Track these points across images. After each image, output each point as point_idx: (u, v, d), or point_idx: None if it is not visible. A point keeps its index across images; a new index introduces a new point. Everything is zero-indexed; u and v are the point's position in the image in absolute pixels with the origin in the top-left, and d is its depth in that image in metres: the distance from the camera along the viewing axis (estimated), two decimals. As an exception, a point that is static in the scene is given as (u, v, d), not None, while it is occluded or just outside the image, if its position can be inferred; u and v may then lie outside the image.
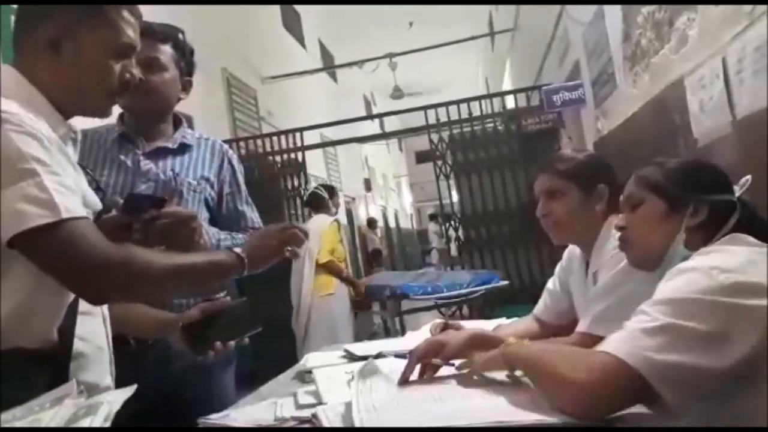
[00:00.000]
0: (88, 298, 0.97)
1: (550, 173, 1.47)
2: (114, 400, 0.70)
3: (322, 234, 4.34)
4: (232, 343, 1.29)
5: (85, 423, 0.66)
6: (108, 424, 0.67)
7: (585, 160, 1.48)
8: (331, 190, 4.74)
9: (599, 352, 0.87)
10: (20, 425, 0.67)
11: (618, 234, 1.18)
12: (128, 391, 0.74)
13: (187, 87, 1.67)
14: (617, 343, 0.86)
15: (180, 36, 1.62)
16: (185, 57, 1.63)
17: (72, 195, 0.92)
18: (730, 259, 0.91)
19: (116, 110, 1.60)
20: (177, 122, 1.68)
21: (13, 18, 1.08)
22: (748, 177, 1.09)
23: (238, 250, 1.16)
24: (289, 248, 1.24)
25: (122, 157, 1.57)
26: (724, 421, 0.87)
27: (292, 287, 4.41)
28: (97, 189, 1.16)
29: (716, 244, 0.99)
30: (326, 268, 4.32)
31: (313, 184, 5.87)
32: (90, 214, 1.00)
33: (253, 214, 1.77)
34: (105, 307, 1.11)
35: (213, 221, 1.68)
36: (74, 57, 1.01)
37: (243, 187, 1.75)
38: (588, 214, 1.43)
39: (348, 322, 4.40)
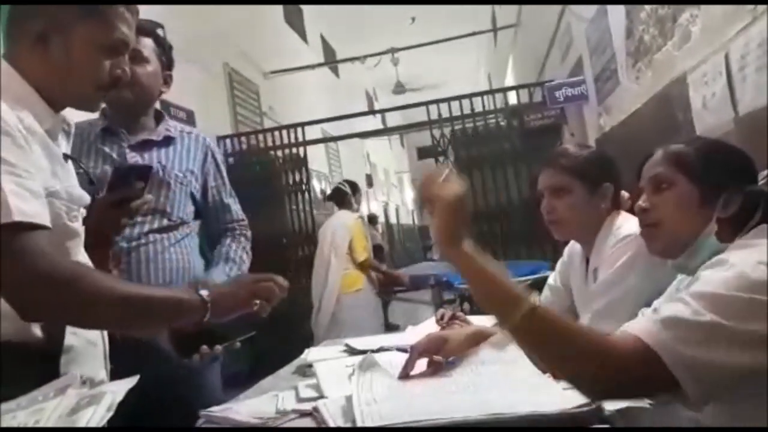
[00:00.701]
0: (20, 311, 0.88)
1: (556, 169, 1.46)
2: (117, 390, 0.70)
3: (350, 232, 4.38)
4: (219, 347, 1.20)
5: (88, 412, 0.67)
6: (111, 414, 0.68)
7: (590, 156, 1.47)
8: (354, 187, 4.77)
9: (631, 336, 0.81)
10: (24, 414, 0.68)
11: (631, 227, 1.14)
12: (131, 382, 0.74)
13: (168, 81, 1.69)
14: (651, 329, 0.81)
15: (160, 31, 1.62)
16: (165, 51, 1.65)
17: (33, 199, 0.87)
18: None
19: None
20: (159, 116, 1.70)
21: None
22: None
23: (204, 293, 1.06)
24: (258, 302, 1.12)
25: (107, 150, 1.58)
26: (744, 415, 0.85)
27: (314, 286, 4.51)
28: (90, 182, 1.15)
29: (751, 236, 0.93)
30: (364, 265, 4.40)
31: (314, 179, 5.89)
32: (75, 209, 0.99)
33: (236, 206, 1.81)
34: None
35: (198, 214, 1.69)
36: (63, 52, 0.99)
37: (227, 180, 1.78)
38: (592, 212, 1.43)
39: (379, 315, 4.57)
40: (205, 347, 1.18)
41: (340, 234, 4.35)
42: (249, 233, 1.83)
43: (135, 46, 1.51)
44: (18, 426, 0.66)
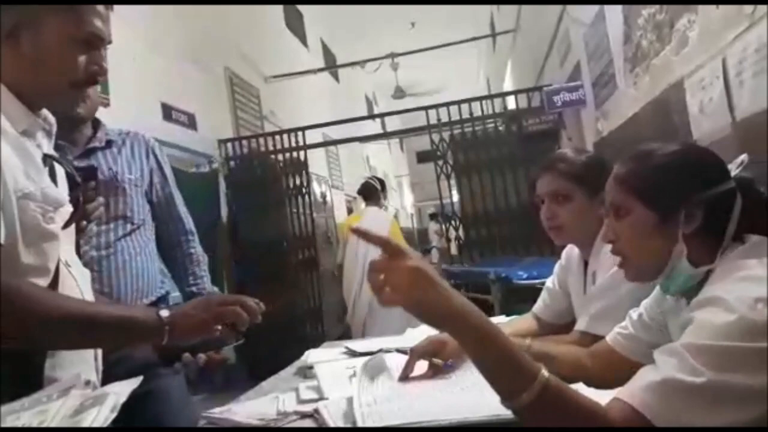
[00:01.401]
0: None
1: (556, 174, 1.46)
2: (121, 391, 0.71)
3: (388, 229, 4.52)
4: (202, 356, 1.15)
5: (92, 413, 0.67)
6: (114, 415, 0.68)
7: (589, 162, 1.47)
8: (383, 183, 4.95)
9: (623, 406, 0.75)
10: (28, 415, 0.68)
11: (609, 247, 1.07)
12: (134, 383, 0.75)
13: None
14: (648, 397, 0.75)
15: None
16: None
17: None
18: (760, 281, 0.78)
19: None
20: (95, 123, 1.69)
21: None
22: (744, 156, 0.99)
23: (164, 313, 0.99)
24: (220, 327, 1.04)
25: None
26: None
27: (347, 284, 4.67)
28: (75, 182, 1.13)
29: (736, 255, 0.87)
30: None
31: (314, 183, 5.90)
32: (51, 210, 0.96)
33: (179, 200, 1.78)
34: (89, 298, 1.09)
35: (153, 212, 1.71)
36: (35, 47, 0.95)
37: (170, 175, 1.76)
38: (592, 218, 1.43)
39: None
40: (187, 355, 1.15)
41: (383, 231, 4.05)
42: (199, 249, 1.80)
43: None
44: (22, 425, 0.66)
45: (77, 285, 1.05)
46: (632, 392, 0.77)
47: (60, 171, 1.09)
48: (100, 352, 1.10)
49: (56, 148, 1.55)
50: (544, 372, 0.75)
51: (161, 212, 1.72)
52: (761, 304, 0.75)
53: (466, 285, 4.57)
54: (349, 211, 10.20)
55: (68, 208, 1.05)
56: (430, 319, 0.79)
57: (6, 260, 0.87)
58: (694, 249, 0.92)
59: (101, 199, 1.34)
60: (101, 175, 1.54)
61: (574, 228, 1.45)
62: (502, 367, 0.77)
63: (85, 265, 1.34)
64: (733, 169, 0.97)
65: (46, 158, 1.03)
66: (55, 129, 1.08)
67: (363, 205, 4.81)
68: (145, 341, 1.06)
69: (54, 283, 0.98)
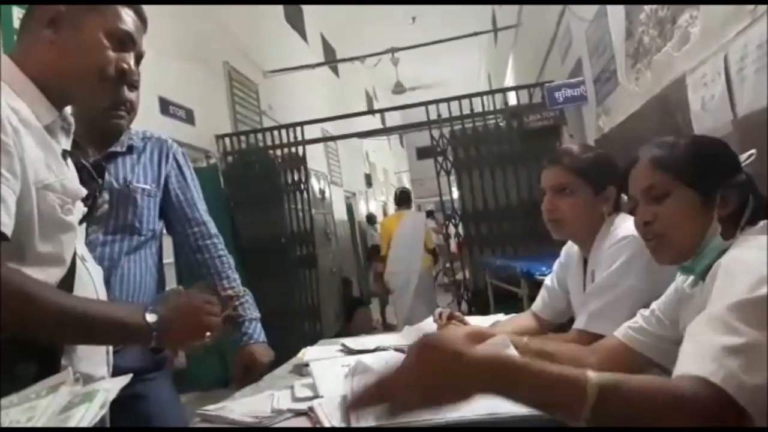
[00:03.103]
0: None
1: (560, 168, 1.44)
2: (110, 387, 0.70)
3: (425, 226, 6.27)
4: (182, 360, 1.18)
5: (81, 410, 0.66)
6: (104, 411, 0.67)
7: (595, 158, 1.46)
8: (410, 192, 6.61)
9: (690, 380, 0.73)
10: (16, 412, 0.67)
11: (628, 228, 1.12)
12: (124, 380, 0.74)
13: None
14: (708, 366, 0.73)
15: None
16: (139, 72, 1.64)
17: None
18: None
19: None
20: None
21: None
22: (753, 151, 1.04)
23: (150, 318, 0.99)
24: (209, 335, 1.06)
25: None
26: None
27: (395, 267, 6.06)
28: (90, 177, 1.15)
29: (757, 232, 0.92)
30: (434, 251, 6.24)
31: (313, 179, 5.91)
32: (70, 202, 0.99)
33: (201, 204, 1.73)
34: (103, 296, 1.11)
35: (167, 220, 1.67)
36: (72, 35, 1.00)
37: (191, 180, 1.71)
38: (594, 214, 1.42)
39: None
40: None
41: (421, 228, 6.14)
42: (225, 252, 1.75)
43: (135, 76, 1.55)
44: (10, 423, 0.65)
45: (92, 279, 1.08)
46: (690, 367, 0.74)
47: (73, 169, 1.10)
48: (111, 349, 1.11)
49: (79, 148, 1.56)
50: (591, 375, 0.71)
51: (182, 216, 1.67)
52: None
53: (497, 276, 4.64)
54: (348, 207, 10.22)
55: (81, 205, 1.08)
56: (459, 390, 0.73)
57: (17, 249, 0.90)
58: (724, 228, 0.97)
59: (105, 197, 1.32)
60: (115, 183, 1.53)
61: (574, 222, 1.43)
62: (549, 394, 0.72)
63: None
64: (742, 161, 1.02)
65: (65, 155, 1.06)
66: (73, 128, 1.11)
67: (394, 208, 6.62)
68: (132, 343, 1.09)
69: (71, 276, 1.01)
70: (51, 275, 0.96)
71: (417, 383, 0.72)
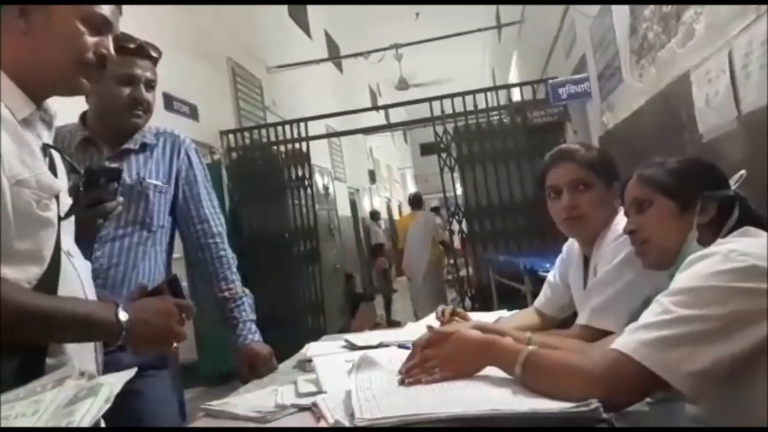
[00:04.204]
0: None
1: (576, 164, 1.42)
2: (115, 381, 0.70)
3: (433, 223, 7.28)
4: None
5: (86, 404, 0.67)
6: (108, 405, 0.68)
7: (602, 154, 1.47)
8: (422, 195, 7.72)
9: (610, 350, 0.90)
10: (22, 405, 0.68)
11: (626, 235, 1.19)
12: (128, 374, 0.75)
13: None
14: (625, 339, 0.89)
15: (155, 53, 1.63)
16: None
17: None
18: (748, 244, 0.93)
19: (76, 111, 1.60)
20: None
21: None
22: (743, 172, 1.13)
23: (123, 316, 0.98)
24: (176, 346, 1.07)
25: (87, 162, 1.57)
26: (737, 404, 0.90)
27: (410, 262, 7.18)
28: (72, 170, 1.14)
29: (730, 237, 1.01)
30: (445, 244, 7.11)
31: (317, 175, 5.91)
32: (46, 197, 0.97)
33: (208, 201, 1.72)
34: (90, 292, 1.09)
35: (174, 216, 1.67)
36: (46, 24, 0.98)
37: (201, 176, 1.71)
38: (608, 208, 1.42)
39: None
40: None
41: (432, 225, 7.19)
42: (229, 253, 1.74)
43: (152, 76, 1.57)
44: (16, 416, 0.66)
45: (78, 275, 1.06)
46: (618, 340, 0.91)
47: (60, 163, 1.09)
48: (100, 344, 1.10)
49: (92, 144, 1.57)
50: (526, 349, 1.00)
51: (187, 213, 1.67)
52: (735, 254, 0.89)
53: (500, 272, 4.65)
54: (352, 203, 10.22)
55: (67, 199, 1.06)
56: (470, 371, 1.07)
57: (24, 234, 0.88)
58: (702, 235, 1.07)
59: (121, 199, 1.33)
60: (128, 179, 1.54)
61: (593, 217, 1.42)
62: (499, 355, 1.04)
63: (95, 270, 1.33)
64: (733, 183, 1.12)
65: (46, 148, 1.04)
66: (55, 120, 1.08)
67: (410, 209, 7.75)
68: (100, 340, 1.07)
69: (55, 272, 0.98)
70: (29, 273, 0.94)
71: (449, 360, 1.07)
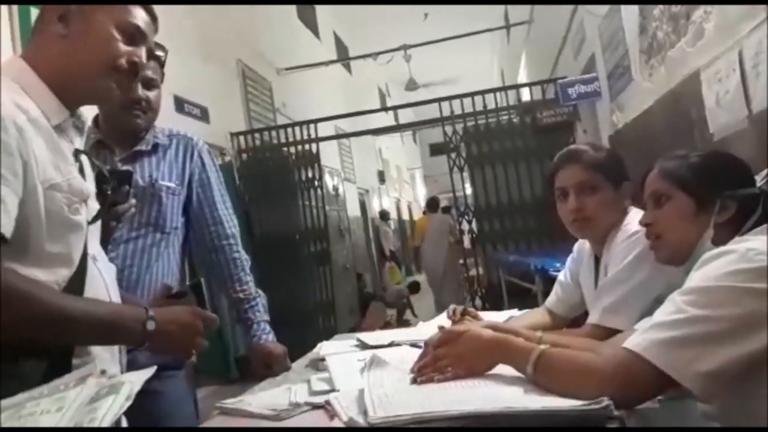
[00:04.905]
0: None
1: (583, 166, 1.43)
2: (135, 380, 0.72)
3: (448, 225, 7.63)
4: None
5: (107, 401, 0.69)
6: (129, 403, 0.70)
7: (610, 156, 1.46)
8: (438, 199, 8.27)
9: (622, 348, 0.90)
10: (47, 402, 0.70)
11: (643, 230, 1.19)
12: (149, 372, 0.76)
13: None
14: (637, 338, 0.89)
15: (161, 52, 1.63)
16: (162, 71, 1.65)
17: None
18: (765, 242, 0.90)
19: (90, 114, 1.63)
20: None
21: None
22: None
23: (150, 326, 1.00)
24: (195, 354, 1.10)
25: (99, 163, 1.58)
26: (749, 404, 0.88)
27: (429, 260, 7.81)
28: (101, 174, 1.16)
29: (748, 235, 0.98)
30: (459, 241, 7.04)
31: (327, 176, 5.94)
32: (77, 202, 0.99)
33: (221, 203, 1.73)
34: (115, 294, 1.11)
35: (187, 217, 1.69)
36: (83, 29, 1.01)
37: (215, 178, 1.73)
38: (617, 210, 1.42)
39: None
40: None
41: (445, 227, 7.63)
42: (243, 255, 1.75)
43: (151, 75, 1.56)
44: (41, 413, 0.68)
45: (103, 279, 1.08)
46: (630, 339, 0.90)
47: (88, 168, 1.11)
48: (124, 347, 1.13)
49: (105, 146, 1.58)
50: (538, 348, 0.99)
51: (200, 215, 1.69)
52: (752, 252, 0.87)
53: (510, 272, 4.64)
54: (361, 204, 10.23)
55: (95, 204, 1.08)
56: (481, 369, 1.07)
57: (21, 249, 0.90)
58: (718, 234, 1.05)
59: (133, 201, 1.35)
60: (141, 181, 1.55)
61: (600, 219, 1.42)
62: (511, 354, 1.04)
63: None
64: (759, 179, 1.08)
65: (77, 153, 1.06)
66: (87, 126, 1.11)
67: (428, 212, 8.41)
68: (125, 345, 1.10)
69: (81, 276, 1.01)
70: (59, 275, 0.96)
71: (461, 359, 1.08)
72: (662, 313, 0.90)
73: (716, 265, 0.90)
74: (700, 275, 0.90)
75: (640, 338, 0.89)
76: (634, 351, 0.87)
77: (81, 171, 1.06)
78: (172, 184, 1.62)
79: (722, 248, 0.93)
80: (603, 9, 3.99)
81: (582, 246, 1.59)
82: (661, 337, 0.86)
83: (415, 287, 8.83)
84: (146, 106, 1.57)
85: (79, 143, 1.08)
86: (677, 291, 0.91)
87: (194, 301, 1.16)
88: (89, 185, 1.07)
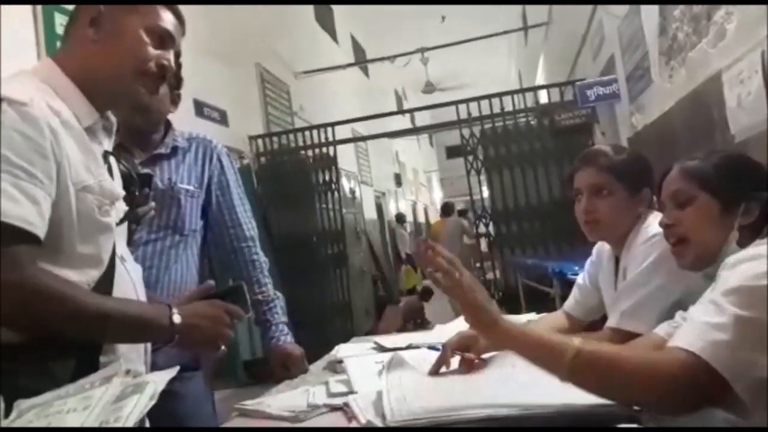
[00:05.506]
0: None
1: (597, 169, 1.42)
2: (159, 379, 0.74)
3: (461, 227, 8.17)
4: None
5: (132, 400, 0.70)
6: (153, 402, 0.71)
7: (630, 159, 1.44)
8: (452, 204, 8.70)
9: (675, 349, 0.84)
10: (74, 401, 0.71)
11: (663, 231, 1.15)
12: (171, 372, 0.78)
13: (176, 101, 1.70)
14: (691, 338, 0.83)
15: None
16: (175, 74, 1.66)
17: (30, 204, 0.87)
18: None
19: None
20: (167, 127, 1.69)
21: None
22: None
23: (176, 319, 1.02)
24: (224, 348, 1.12)
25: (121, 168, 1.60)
26: None
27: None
28: (130, 177, 1.18)
29: None
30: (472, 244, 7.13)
31: (344, 179, 5.95)
32: (107, 203, 1.01)
33: (240, 206, 1.75)
34: (142, 294, 1.13)
35: (206, 220, 1.70)
36: (113, 32, 1.03)
37: (233, 181, 1.74)
38: (630, 215, 1.40)
39: None
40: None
41: (459, 230, 8.16)
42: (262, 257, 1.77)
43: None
44: (68, 411, 0.69)
45: (131, 278, 1.10)
46: (679, 338, 0.85)
47: (116, 169, 1.13)
48: (149, 346, 1.14)
49: (125, 150, 1.60)
50: (576, 343, 0.88)
51: (220, 217, 1.71)
52: None
53: (528, 276, 4.63)
54: (378, 207, 10.25)
55: (123, 206, 1.10)
56: (483, 330, 0.98)
57: (53, 250, 0.92)
58: (742, 237, 1.02)
59: (153, 204, 1.36)
60: (160, 184, 1.57)
61: (612, 223, 1.42)
62: (543, 351, 0.92)
63: None
64: None
65: (106, 155, 1.08)
66: (115, 128, 1.13)
67: (442, 215, 8.76)
68: (154, 341, 1.12)
69: (110, 276, 1.03)
70: (89, 276, 0.98)
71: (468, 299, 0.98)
72: (706, 314, 0.85)
73: (749, 267, 0.86)
74: (739, 276, 0.86)
75: (693, 337, 0.83)
76: (694, 352, 0.81)
77: (109, 172, 1.08)
78: (190, 187, 1.64)
79: (752, 251, 0.89)
80: (622, 10, 3.96)
81: (601, 248, 1.58)
82: (716, 339, 0.81)
83: (427, 294, 8.78)
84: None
85: (108, 145, 1.10)
86: (717, 292, 0.86)
87: (220, 302, 1.17)
88: (118, 187, 1.09)
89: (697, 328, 0.84)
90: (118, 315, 0.97)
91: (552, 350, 0.90)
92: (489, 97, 5.46)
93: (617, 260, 1.46)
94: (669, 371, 0.81)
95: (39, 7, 3.05)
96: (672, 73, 3.18)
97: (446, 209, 8.51)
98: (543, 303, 3.67)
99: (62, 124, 0.95)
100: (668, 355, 0.84)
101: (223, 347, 1.11)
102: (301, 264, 5.58)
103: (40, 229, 0.88)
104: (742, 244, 1.00)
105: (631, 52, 4.01)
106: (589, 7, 5.00)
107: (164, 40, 1.08)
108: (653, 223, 1.34)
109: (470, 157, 5.51)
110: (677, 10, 2.95)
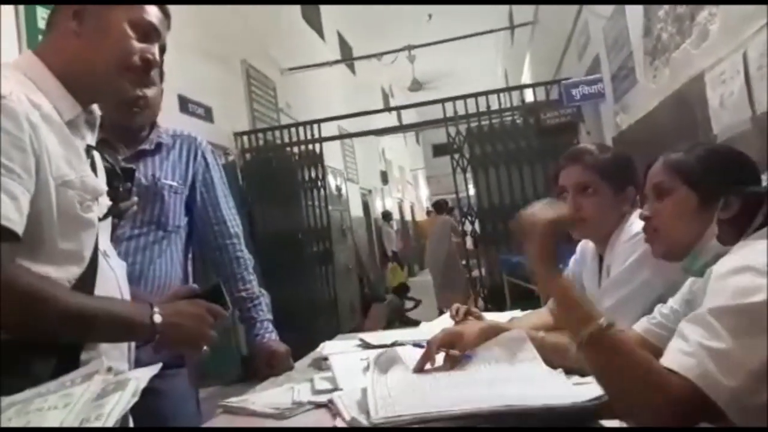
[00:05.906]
0: None
1: (582, 167, 1.44)
2: (141, 376, 0.73)
3: (449, 224, 7.96)
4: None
5: (114, 398, 0.69)
6: (135, 399, 0.70)
7: (615, 158, 1.46)
8: (446, 203, 8.50)
9: (672, 375, 0.81)
10: (55, 398, 0.71)
11: (642, 224, 1.14)
12: (154, 369, 0.77)
13: (161, 94, 1.68)
14: (687, 363, 0.81)
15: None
16: (162, 69, 1.65)
17: (7, 199, 0.85)
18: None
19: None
20: (152, 124, 1.67)
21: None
22: None
23: (157, 318, 1.00)
24: (206, 349, 1.09)
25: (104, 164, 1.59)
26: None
27: (433, 254, 8.03)
28: (114, 171, 1.16)
29: (755, 237, 0.94)
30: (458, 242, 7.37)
31: (330, 176, 5.94)
32: (89, 199, 0.99)
33: (225, 203, 1.74)
34: (125, 291, 1.12)
35: (190, 217, 1.69)
36: (97, 26, 1.01)
37: (218, 178, 1.73)
38: (615, 213, 1.42)
39: None
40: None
41: (447, 228, 7.94)
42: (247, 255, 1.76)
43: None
44: (48, 408, 0.69)
45: (114, 274, 1.09)
46: (676, 359, 0.82)
47: (100, 164, 1.11)
48: (132, 344, 1.13)
49: (109, 146, 1.58)
50: (604, 321, 0.87)
51: (204, 215, 1.70)
52: None
53: (513, 273, 4.64)
54: (364, 204, 10.25)
55: (106, 201, 1.08)
56: (546, 277, 1.01)
57: (33, 246, 0.90)
58: (723, 232, 1.00)
59: (135, 199, 1.35)
60: (143, 180, 1.56)
61: (596, 221, 1.43)
62: (575, 313, 0.93)
63: None
64: (765, 179, 1.06)
65: (89, 150, 1.06)
66: (98, 122, 1.11)
67: (434, 214, 8.70)
68: (135, 341, 1.10)
69: (93, 272, 1.01)
70: (69, 273, 0.96)
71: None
72: (701, 335, 0.82)
73: (739, 281, 0.84)
74: (731, 293, 0.83)
75: (689, 362, 0.80)
76: (690, 379, 0.79)
77: (93, 167, 1.06)
78: (174, 183, 1.62)
79: (740, 259, 0.87)
80: (608, 10, 3.99)
81: (585, 247, 1.59)
82: (712, 370, 0.78)
83: (402, 289, 8.81)
84: (143, 103, 1.56)
85: (91, 139, 1.08)
86: (708, 307, 0.84)
87: (202, 302, 1.15)
88: (101, 182, 1.08)
89: (692, 351, 0.81)
90: (98, 314, 0.95)
91: (584, 314, 0.91)
92: (475, 95, 5.47)
93: (601, 258, 1.48)
94: (675, 394, 0.80)
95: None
96: (656, 73, 3.21)
97: (439, 207, 8.60)
98: (528, 300, 3.70)
99: (42, 117, 0.93)
100: (678, 380, 0.81)
101: (205, 347, 1.09)
102: (287, 261, 5.56)
103: (19, 225, 0.86)
104: (723, 240, 0.99)
105: (616, 52, 4.04)
106: (574, 7, 5.03)
107: (149, 33, 1.06)
108: (637, 222, 1.36)
109: (456, 155, 5.53)
110: (662, 11, 2.97)
